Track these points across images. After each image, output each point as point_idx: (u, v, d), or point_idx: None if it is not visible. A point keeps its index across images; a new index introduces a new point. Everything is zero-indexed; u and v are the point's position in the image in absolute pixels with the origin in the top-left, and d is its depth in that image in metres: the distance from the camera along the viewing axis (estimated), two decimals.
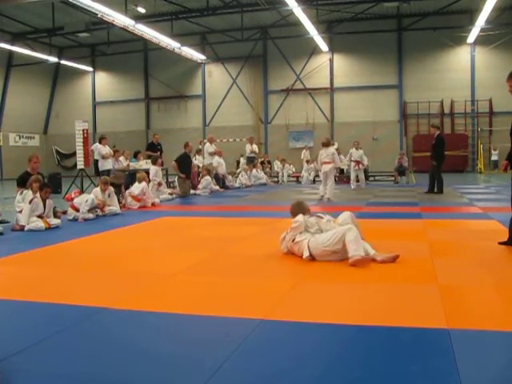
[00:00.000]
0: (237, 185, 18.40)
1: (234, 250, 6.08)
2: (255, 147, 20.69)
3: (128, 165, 14.70)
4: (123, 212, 10.18)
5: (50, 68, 32.17)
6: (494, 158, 26.22)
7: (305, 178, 21.31)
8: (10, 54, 28.91)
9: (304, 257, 5.18)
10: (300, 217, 5.50)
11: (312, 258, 5.17)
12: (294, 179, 21.89)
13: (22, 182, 8.68)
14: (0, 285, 4.54)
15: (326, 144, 12.80)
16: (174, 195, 13.84)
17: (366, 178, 19.62)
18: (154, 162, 13.72)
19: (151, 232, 7.86)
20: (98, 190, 9.79)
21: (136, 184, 11.53)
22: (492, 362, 2.69)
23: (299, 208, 5.81)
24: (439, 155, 13.29)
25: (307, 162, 22.47)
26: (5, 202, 13.02)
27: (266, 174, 20.76)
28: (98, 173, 14.85)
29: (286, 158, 23.56)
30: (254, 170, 20.07)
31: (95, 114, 33.07)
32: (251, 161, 20.28)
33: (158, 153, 15.96)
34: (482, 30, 23.79)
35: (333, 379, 2.51)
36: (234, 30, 26.85)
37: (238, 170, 19.47)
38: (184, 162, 14.29)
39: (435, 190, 13.23)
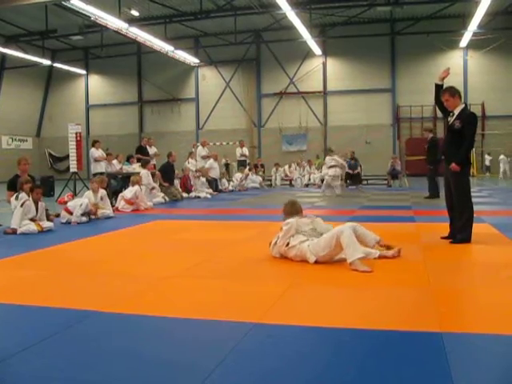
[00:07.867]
0: (230, 188, 18.41)
1: (228, 253, 6.06)
2: (245, 150, 20.75)
3: (121, 168, 14.68)
4: (116, 215, 10.15)
5: (43, 71, 32.06)
6: (487, 163, 26.33)
7: (299, 182, 21.29)
8: (3, 56, 28.80)
9: (311, 262, 5.10)
10: (291, 219, 5.47)
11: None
12: (287, 183, 21.88)
13: (13, 185, 8.60)
14: None
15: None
16: (168, 199, 13.80)
17: (360, 181, 19.65)
18: (145, 166, 13.61)
19: (144, 235, 7.83)
20: (90, 192, 9.75)
21: (129, 187, 11.49)
22: (485, 365, 2.68)
23: (292, 208, 5.75)
24: (433, 159, 12.86)
25: (298, 164, 22.45)
26: None
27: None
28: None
29: (280, 161, 23.55)
30: (250, 174, 20.06)
31: (88, 117, 32.98)
32: (242, 164, 20.31)
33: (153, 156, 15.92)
34: (475, 34, 23.92)
35: (326, 383, 2.50)
36: (227, 33, 26.86)
37: (240, 176, 19.33)
38: (167, 172, 14.64)
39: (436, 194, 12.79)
